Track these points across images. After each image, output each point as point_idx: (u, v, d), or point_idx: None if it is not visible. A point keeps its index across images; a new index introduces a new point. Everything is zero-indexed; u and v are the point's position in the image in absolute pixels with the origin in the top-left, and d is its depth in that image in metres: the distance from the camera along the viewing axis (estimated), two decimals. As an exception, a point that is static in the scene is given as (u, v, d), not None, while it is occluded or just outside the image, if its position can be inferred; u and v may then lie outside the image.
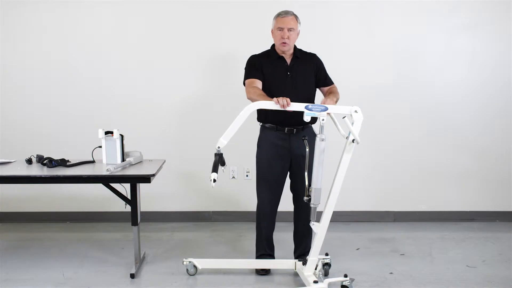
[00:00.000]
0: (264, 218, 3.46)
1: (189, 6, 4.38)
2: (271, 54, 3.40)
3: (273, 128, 3.36)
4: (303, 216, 3.42)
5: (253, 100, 3.13)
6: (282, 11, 3.33)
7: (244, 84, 3.39)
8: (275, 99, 3.00)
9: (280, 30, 3.28)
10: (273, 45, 3.42)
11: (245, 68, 3.42)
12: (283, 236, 3.75)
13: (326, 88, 3.45)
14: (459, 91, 4.51)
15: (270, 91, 3.26)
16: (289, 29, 3.28)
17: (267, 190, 3.42)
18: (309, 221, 3.15)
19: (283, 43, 3.29)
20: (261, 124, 3.44)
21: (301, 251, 3.51)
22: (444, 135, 4.55)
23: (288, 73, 3.35)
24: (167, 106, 4.48)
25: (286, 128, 3.34)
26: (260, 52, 3.46)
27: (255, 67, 3.36)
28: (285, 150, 3.37)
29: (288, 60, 3.37)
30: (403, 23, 4.43)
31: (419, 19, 4.43)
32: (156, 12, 4.40)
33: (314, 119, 3.28)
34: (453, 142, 4.55)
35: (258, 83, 3.32)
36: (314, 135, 3.25)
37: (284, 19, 3.29)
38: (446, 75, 4.49)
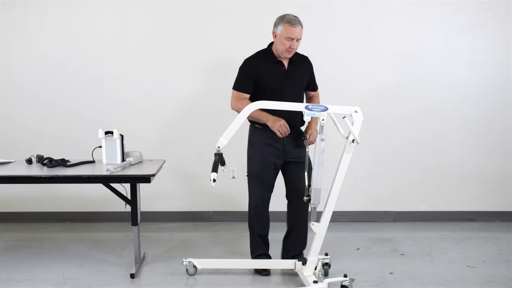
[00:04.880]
0: (258, 218, 3.44)
1: (189, 6, 4.38)
2: (269, 56, 3.31)
3: (268, 129, 3.27)
4: (299, 218, 3.39)
5: (239, 111, 3.05)
6: (292, 19, 3.18)
7: (233, 88, 3.34)
8: (276, 131, 3.16)
9: (289, 40, 3.18)
10: (270, 45, 3.36)
11: (238, 74, 3.35)
12: (282, 236, 3.73)
13: (310, 93, 3.52)
14: (459, 91, 4.51)
15: (268, 96, 3.19)
16: (298, 39, 3.22)
17: (259, 190, 3.40)
18: (306, 224, 3.13)
19: (289, 52, 3.24)
20: (252, 124, 3.40)
21: (293, 254, 3.45)
22: (444, 135, 4.54)
23: (287, 78, 3.32)
24: (167, 106, 4.48)
25: None
26: (254, 52, 3.39)
27: (248, 76, 3.30)
28: (277, 151, 3.34)
29: (286, 64, 3.33)
30: (403, 23, 4.43)
31: (419, 19, 4.43)
32: (156, 12, 4.39)
33: (303, 121, 3.17)
34: (453, 142, 4.55)
35: (246, 100, 3.27)
36: (304, 137, 3.33)
37: (296, 30, 3.17)
38: (446, 75, 4.49)
